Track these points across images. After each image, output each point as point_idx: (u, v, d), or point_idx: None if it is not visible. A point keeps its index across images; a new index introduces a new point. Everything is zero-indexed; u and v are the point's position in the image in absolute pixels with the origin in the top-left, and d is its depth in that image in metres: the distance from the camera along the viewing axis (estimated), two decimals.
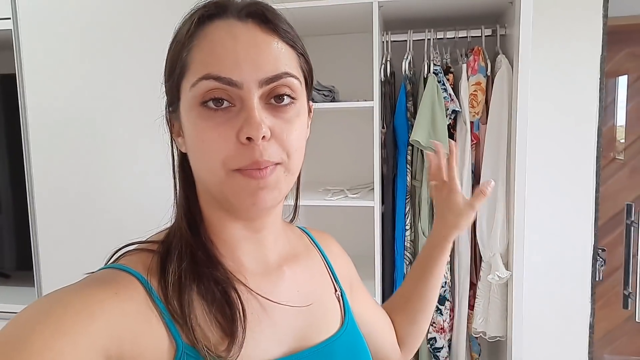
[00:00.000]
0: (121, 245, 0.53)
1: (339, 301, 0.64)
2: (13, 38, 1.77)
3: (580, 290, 1.90)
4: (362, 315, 0.69)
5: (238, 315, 0.49)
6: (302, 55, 0.53)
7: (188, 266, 0.49)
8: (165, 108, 0.54)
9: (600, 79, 1.82)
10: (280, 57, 0.49)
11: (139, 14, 1.71)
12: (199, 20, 0.49)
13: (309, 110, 0.57)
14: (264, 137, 0.46)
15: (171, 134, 0.55)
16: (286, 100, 0.49)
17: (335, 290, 0.65)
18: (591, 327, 1.95)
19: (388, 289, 1.68)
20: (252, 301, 0.52)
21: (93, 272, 0.48)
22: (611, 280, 2.16)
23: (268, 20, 0.49)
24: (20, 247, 1.89)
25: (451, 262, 1.62)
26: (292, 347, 0.54)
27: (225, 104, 0.47)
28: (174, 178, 0.56)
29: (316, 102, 1.69)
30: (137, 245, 0.52)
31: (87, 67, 1.74)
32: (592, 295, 1.92)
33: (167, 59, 0.52)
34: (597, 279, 1.91)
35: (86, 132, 1.78)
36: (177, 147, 0.55)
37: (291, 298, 0.57)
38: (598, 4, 1.79)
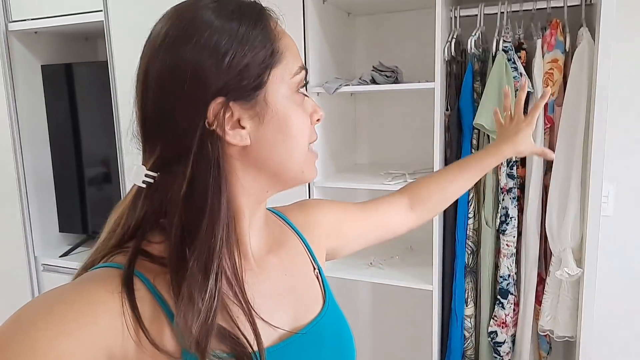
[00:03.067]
0: (110, 250, 0.51)
1: (317, 279, 0.66)
2: (105, 29, 1.94)
3: None
4: (363, 225, 0.78)
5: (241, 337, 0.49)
6: None
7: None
8: (225, 98, 0.48)
9: None
10: None
11: None
12: (267, 17, 0.53)
13: None
14: None
15: (223, 126, 0.49)
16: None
17: (314, 269, 0.66)
18: None
19: (448, 279, 1.62)
20: (241, 314, 0.51)
21: (90, 270, 0.48)
22: None
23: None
24: None
25: (517, 255, 1.51)
26: (282, 333, 0.55)
27: None
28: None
29: (378, 83, 1.66)
30: (130, 246, 0.50)
31: None
32: None
33: (253, 45, 0.49)
34: None
35: None
36: (230, 141, 0.50)
37: (281, 282, 0.59)
38: None
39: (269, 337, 0.54)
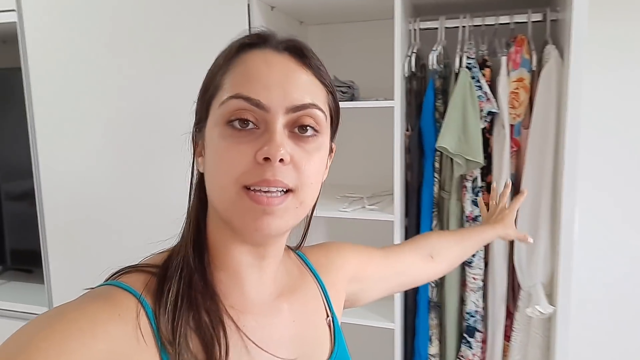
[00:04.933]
0: (121, 267, 0.52)
1: (329, 327, 0.64)
2: (18, 30, 1.69)
3: None
4: (385, 270, 0.77)
5: (220, 356, 0.48)
6: (331, 93, 0.54)
7: (184, 291, 0.49)
8: (193, 127, 0.55)
9: None
10: (309, 89, 0.50)
11: (145, 5, 1.58)
12: (239, 48, 0.51)
13: (331, 150, 0.57)
14: (282, 160, 0.46)
15: (194, 153, 0.56)
16: (309, 131, 0.50)
17: (327, 316, 0.64)
18: None
19: (410, 315, 1.48)
20: (238, 341, 0.51)
21: (93, 288, 0.48)
22: None
23: (303, 55, 0.51)
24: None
25: (484, 289, 1.40)
26: None
27: (250, 125, 0.48)
28: (189, 198, 0.56)
29: None
30: (137, 266, 0.52)
31: (94, 60, 1.64)
32: None
33: (203, 80, 0.54)
34: None
35: (94, 126, 1.68)
36: (196, 168, 0.55)
37: (287, 329, 0.57)
38: None
39: None
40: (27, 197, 1.90)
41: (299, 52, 0.51)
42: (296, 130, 0.49)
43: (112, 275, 0.51)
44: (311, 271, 0.67)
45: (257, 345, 0.52)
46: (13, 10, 1.68)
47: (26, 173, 1.85)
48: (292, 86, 0.49)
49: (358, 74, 1.67)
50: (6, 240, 2.03)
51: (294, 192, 0.48)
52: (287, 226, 0.50)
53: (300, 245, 0.68)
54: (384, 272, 0.77)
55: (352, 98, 1.53)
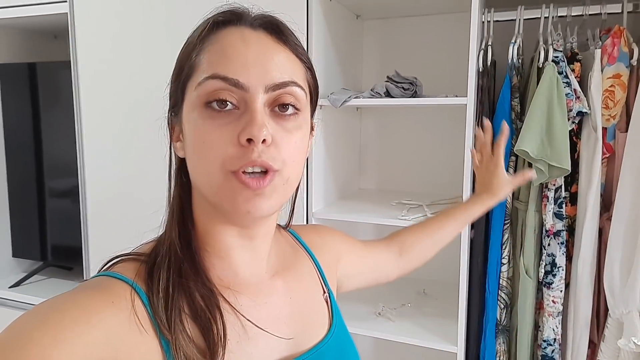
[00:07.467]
0: (112, 256, 0.52)
1: (326, 303, 0.64)
2: (69, 21, 1.66)
3: None
4: (364, 263, 0.78)
5: (218, 337, 0.48)
6: (309, 69, 0.53)
7: (175, 280, 0.48)
8: (168, 111, 0.54)
9: None
10: (288, 66, 0.49)
11: None
12: (212, 25, 0.50)
13: (312, 128, 0.56)
14: (264, 140, 0.46)
15: (170, 138, 0.55)
16: (290, 110, 0.49)
17: (324, 292, 0.65)
18: None
19: (474, 338, 1.33)
20: (235, 322, 0.51)
21: (87, 280, 0.48)
22: None
23: (279, 32, 0.50)
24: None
25: (564, 314, 1.23)
26: (282, 355, 0.54)
27: (229, 106, 0.47)
28: (169, 184, 0.55)
29: (394, 96, 1.38)
30: (127, 255, 0.52)
31: (144, 55, 1.58)
32: None
33: (176, 61, 0.52)
34: None
35: (141, 124, 1.62)
36: (174, 153, 0.54)
37: (284, 307, 0.57)
38: None
39: None
40: (71, 194, 1.87)
41: (275, 28, 0.50)
42: (276, 109, 0.48)
43: (103, 266, 0.51)
44: (305, 249, 0.67)
45: (254, 324, 0.52)
46: (64, 1, 1.65)
47: (72, 170, 1.81)
48: (270, 64, 0.48)
49: (416, 70, 1.54)
50: (48, 237, 2.00)
51: (279, 171, 0.48)
52: (277, 206, 0.49)
53: (288, 223, 0.67)
54: (362, 265, 0.78)
55: (415, 94, 1.40)
